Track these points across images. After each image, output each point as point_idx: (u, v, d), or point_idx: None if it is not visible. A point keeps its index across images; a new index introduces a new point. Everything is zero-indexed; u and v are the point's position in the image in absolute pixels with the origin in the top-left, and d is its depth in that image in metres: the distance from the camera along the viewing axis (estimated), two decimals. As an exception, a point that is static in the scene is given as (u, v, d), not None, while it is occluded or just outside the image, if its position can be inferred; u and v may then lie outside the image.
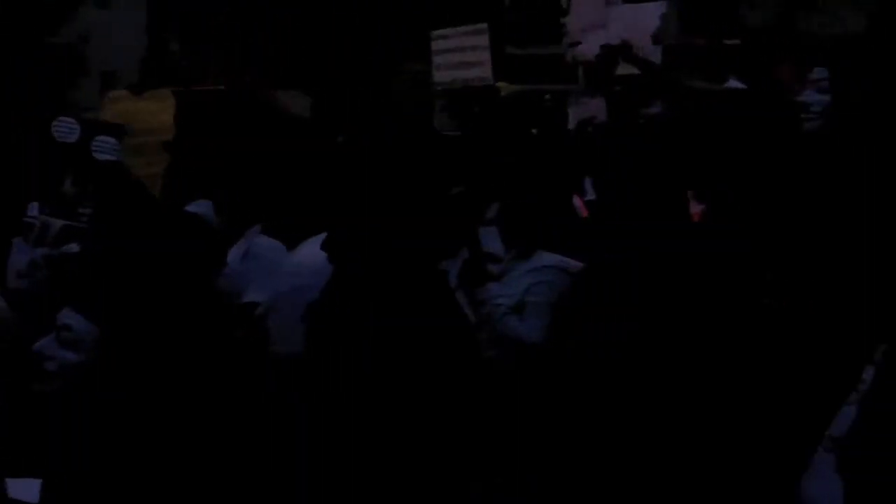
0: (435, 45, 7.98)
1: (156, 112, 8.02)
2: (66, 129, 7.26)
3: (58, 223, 6.22)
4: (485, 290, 4.90)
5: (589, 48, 6.72)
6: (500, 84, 7.61)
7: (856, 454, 2.74)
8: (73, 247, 6.01)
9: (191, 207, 6.08)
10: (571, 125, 7.13)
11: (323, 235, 4.62)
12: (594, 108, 6.71)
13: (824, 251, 3.72)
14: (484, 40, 7.79)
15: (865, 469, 2.69)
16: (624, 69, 6.27)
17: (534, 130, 6.85)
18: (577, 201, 5.55)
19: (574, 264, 4.73)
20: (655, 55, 6.26)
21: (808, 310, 3.70)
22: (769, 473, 3.54)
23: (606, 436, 3.79)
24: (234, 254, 5.54)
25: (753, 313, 3.65)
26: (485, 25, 7.90)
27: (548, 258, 4.92)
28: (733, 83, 5.99)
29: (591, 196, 5.76)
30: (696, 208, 4.07)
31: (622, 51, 6.29)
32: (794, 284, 3.73)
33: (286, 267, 5.24)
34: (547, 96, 7.36)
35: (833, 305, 3.62)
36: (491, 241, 5.33)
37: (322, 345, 4.82)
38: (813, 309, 3.70)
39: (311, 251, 4.73)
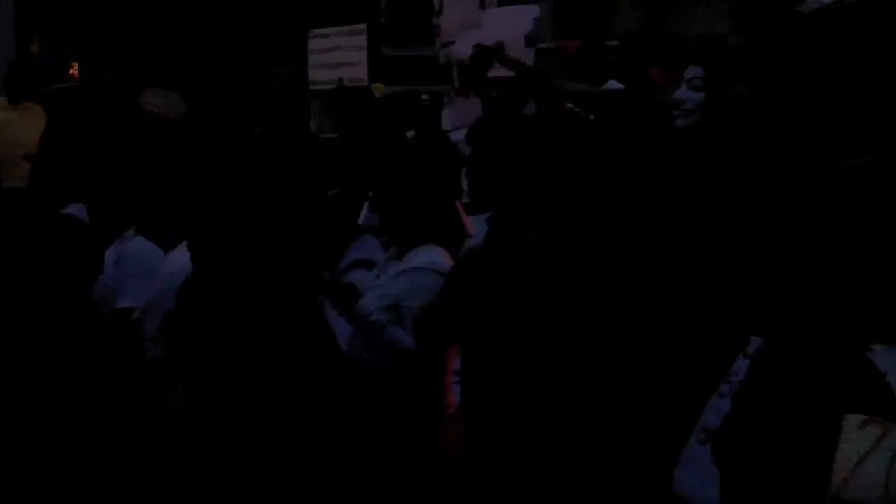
0: (312, 45, 7.95)
1: (27, 126, 7.85)
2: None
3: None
4: (361, 304, 4.88)
5: (462, 49, 6.77)
6: (376, 85, 7.61)
7: (731, 446, 2.80)
8: None
9: (65, 210, 5.98)
10: (446, 126, 7.19)
11: (200, 238, 4.58)
12: (468, 109, 6.76)
13: (696, 243, 3.79)
14: (362, 40, 7.79)
15: (741, 460, 2.75)
16: (499, 71, 6.33)
17: (409, 132, 6.87)
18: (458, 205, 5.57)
19: (445, 265, 4.73)
20: (528, 58, 6.32)
21: (680, 303, 3.76)
22: (643, 467, 3.59)
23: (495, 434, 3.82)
24: (108, 258, 5.46)
25: (625, 304, 3.70)
26: (363, 26, 7.90)
27: (418, 259, 4.91)
28: (613, 84, 6.07)
29: (471, 198, 5.78)
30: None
31: (495, 52, 6.34)
32: (667, 277, 3.79)
33: (162, 271, 5.18)
34: (424, 96, 7.39)
35: (704, 299, 3.68)
36: (368, 247, 5.33)
37: (176, 349, 4.82)
38: (684, 302, 3.76)
39: (188, 254, 4.68)
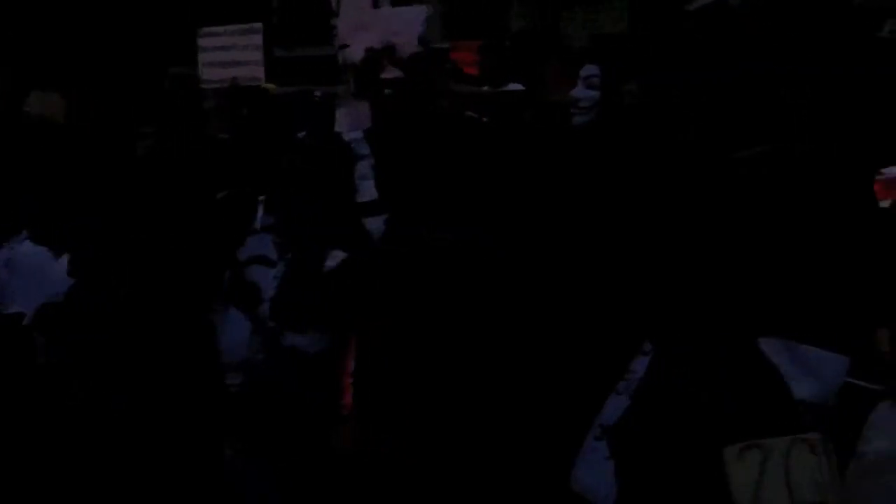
0: (203, 43, 7.84)
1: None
2: None
3: None
4: (262, 308, 4.85)
5: (356, 50, 6.75)
6: (268, 85, 7.55)
7: (628, 442, 2.83)
8: None
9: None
10: (340, 128, 7.16)
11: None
12: (362, 111, 6.74)
13: (591, 242, 3.83)
14: (257, 39, 7.70)
15: (637, 455, 2.78)
16: (395, 72, 6.31)
17: (301, 133, 6.82)
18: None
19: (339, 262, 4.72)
20: (423, 58, 6.31)
21: (577, 302, 3.79)
22: (541, 463, 3.61)
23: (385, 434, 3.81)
24: (-3, 262, 5.36)
25: (525, 306, 3.72)
26: (258, 25, 7.81)
27: (312, 261, 4.88)
28: (513, 86, 6.10)
29: (364, 198, 5.76)
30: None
31: (386, 53, 6.33)
32: (563, 275, 3.82)
33: (53, 275, 5.10)
34: (317, 93, 7.34)
35: (600, 297, 3.72)
36: (263, 246, 5.28)
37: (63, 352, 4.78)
38: (582, 301, 3.79)
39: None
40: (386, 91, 6.42)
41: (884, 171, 5.23)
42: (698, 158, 3.72)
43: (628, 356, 3.52)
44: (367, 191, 5.63)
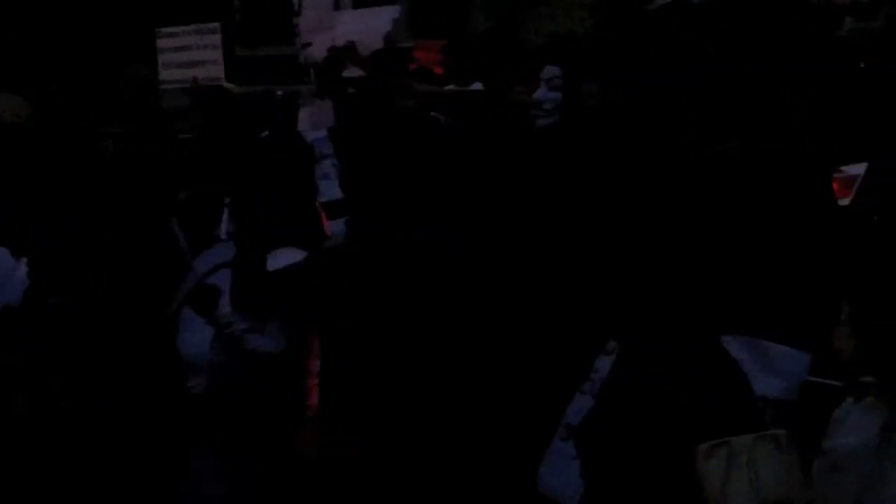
0: (162, 43, 7.82)
1: None
2: None
3: None
4: (221, 310, 4.82)
5: (318, 50, 6.74)
6: (229, 85, 7.53)
7: (595, 441, 2.83)
8: None
9: None
10: (302, 127, 7.14)
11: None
12: (325, 110, 6.72)
13: (556, 242, 3.83)
14: (216, 39, 7.69)
15: (604, 455, 2.78)
16: (358, 72, 6.32)
17: (264, 132, 6.81)
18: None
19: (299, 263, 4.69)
20: (386, 58, 6.31)
21: (543, 302, 3.79)
22: (507, 464, 3.61)
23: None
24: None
25: (491, 305, 3.72)
26: (217, 25, 7.80)
27: (276, 262, 4.85)
28: (475, 86, 6.10)
29: (327, 198, 5.76)
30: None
31: (347, 53, 6.32)
32: (529, 274, 3.82)
33: (14, 277, 5.06)
34: (279, 93, 7.33)
35: (566, 296, 3.72)
36: (229, 253, 5.26)
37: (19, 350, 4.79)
38: (547, 300, 3.79)
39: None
40: (349, 90, 6.42)
41: (843, 168, 5.27)
42: (664, 157, 3.73)
43: (594, 356, 3.53)
44: (330, 190, 5.61)
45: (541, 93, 4.96)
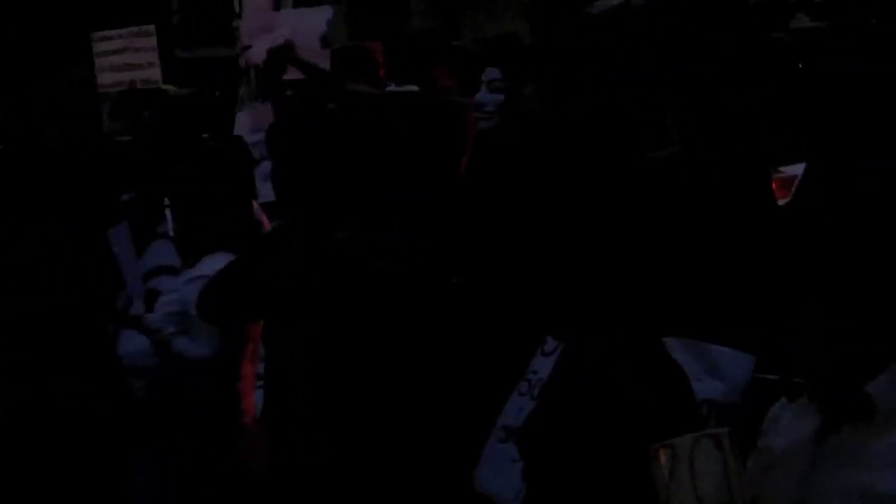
0: (98, 47, 7.74)
1: None
2: None
3: None
4: (148, 315, 4.79)
5: (258, 52, 6.71)
6: (168, 87, 7.47)
7: (537, 443, 2.82)
8: None
9: None
10: (242, 129, 7.11)
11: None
12: (264, 112, 6.69)
13: (497, 243, 3.83)
14: (151, 42, 7.62)
15: (547, 457, 2.77)
16: (297, 73, 6.28)
17: (204, 134, 6.76)
18: (253, 206, 5.50)
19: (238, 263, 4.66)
20: (323, 59, 6.28)
21: (478, 302, 3.79)
22: (443, 465, 3.60)
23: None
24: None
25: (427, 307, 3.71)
26: (151, 27, 7.73)
27: (209, 266, 4.82)
28: (410, 87, 6.09)
29: (267, 199, 5.73)
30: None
31: (285, 52, 6.28)
32: (465, 276, 3.81)
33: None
34: (217, 93, 7.28)
35: (501, 297, 3.72)
36: (165, 253, 5.21)
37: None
38: (483, 301, 3.79)
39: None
40: (288, 92, 6.39)
41: (781, 169, 5.32)
42: (606, 159, 3.74)
43: (528, 356, 3.53)
44: (269, 192, 5.58)
45: (482, 95, 4.96)
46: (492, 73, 4.95)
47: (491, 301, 3.78)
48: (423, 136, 5.11)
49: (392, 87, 6.38)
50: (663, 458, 2.34)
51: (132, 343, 4.93)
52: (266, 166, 6.23)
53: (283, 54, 6.14)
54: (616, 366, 2.65)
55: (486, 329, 3.69)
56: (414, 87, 6.04)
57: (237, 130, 6.78)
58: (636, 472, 2.41)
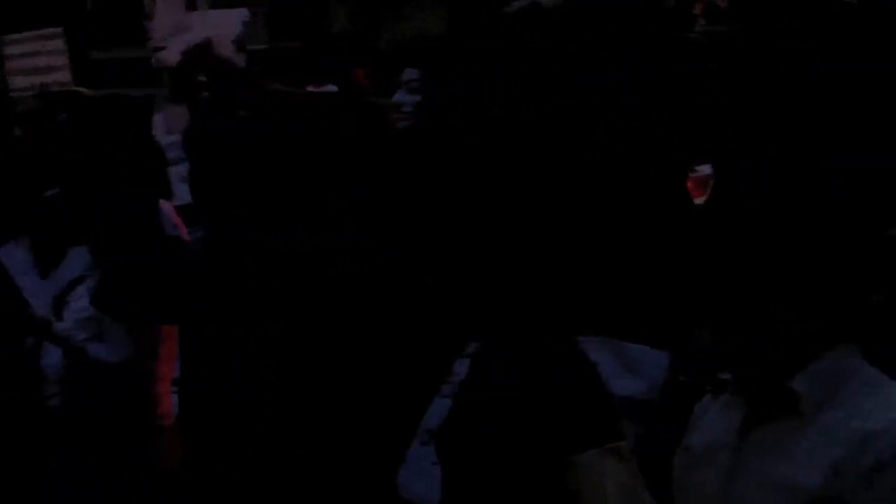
0: (7, 50, 7.65)
1: None
2: None
3: None
4: (59, 324, 4.76)
5: (172, 54, 6.65)
6: (80, 89, 7.39)
7: (452, 445, 2.82)
8: None
9: None
10: (157, 132, 7.03)
11: None
12: (180, 114, 6.62)
13: (415, 242, 3.82)
14: (59, 44, 7.54)
15: (461, 458, 2.77)
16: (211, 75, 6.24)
17: (119, 136, 6.68)
18: (165, 206, 5.44)
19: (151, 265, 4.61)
20: (240, 61, 6.24)
21: (402, 304, 3.77)
22: (367, 468, 3.59)
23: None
24: None
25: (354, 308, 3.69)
26: (59, 29, 7.65)
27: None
28: (330, 87, 6.08)
29: (183, 201, 5.68)
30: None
31: (201, 56, 6.24)
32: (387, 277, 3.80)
33: None
34: (134, 95, 7.22)
35: (433, 298, 3.71)
36: (80, 261, 5.15)
37: None
38: (406, 303, 3.78)
39: None
40: (203, 94, 6.35)
41: (697, 168, 5.35)
42: (524, 158, 3.74)
43: (453, 358, 3.52)
44: (186, 194, 5.53)
45: (400, 95, 4.96)
46: (409, 73, 4.96)
47: (414, 302, 3.78)
48: (343, 137, 5.10)
49: (311, 89, 6.37)
50: (570, 475, 2.37)
51: (50, 350, 4.91)
52: (182, 168, 6.18)
53: (200, 51, 6.11)
54: (528, 364, 2.66)
55: (415, 331, 3.68)
56: (333, 88, 6.04)
57: (153, 132, 6.73)
58: (549, 470, 2.42)
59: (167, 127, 6.60)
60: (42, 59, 7.56)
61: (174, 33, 6.70)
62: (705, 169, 5.12)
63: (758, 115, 3.46)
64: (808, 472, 2.21)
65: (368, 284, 3.68)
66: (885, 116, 3.29)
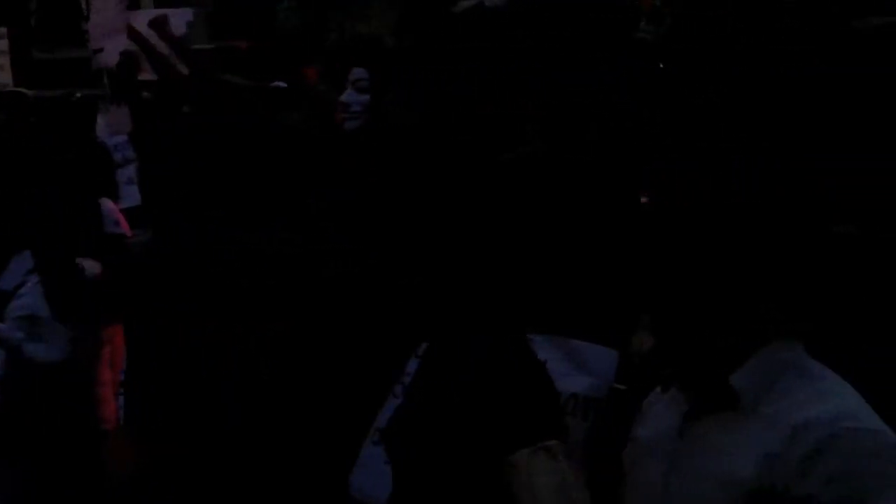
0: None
1: None
2: None
3: None
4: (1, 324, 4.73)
5: (110, 55, 6.59)
6: (21, 89, 7.33)
7: (399, 444, 2.82)
8: None
9: None
10: (101, 133, 6.97)
11: None
12: (122, 114, 6.57)
13: (364, 243, 3.81)
14: (2, 45, 7.48)
15: (406, 458, 2.77)
16: (150, 75, 6.19)
17: (61, 136, 6.64)
18: (106, 204, 5.40)
19: (91, 271, 4.58)
20: (181, 61, 6.19)
21: (357, 306, 3.77)
22: (319, 469, 3.57)
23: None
24: None
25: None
26: (3, 29, 7.59)
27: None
28: (277, 84, 6.06)
29: (129, 203, 5.66)
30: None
31: (140, 56, 6.20)
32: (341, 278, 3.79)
33: None
34: (78, 95, 7.16)
35: (378, 299, 3.70)
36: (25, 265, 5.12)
37: None
38: (363, 304, 3.77)
39: None
40: (143, 94, 6.32)
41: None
42: (467, 158, 3.74)
43: (405, 358, 3.52)
44: (132, 195, 5.50)
45: (348, 95, 4.94)
46: (357, 72, 4.94)
47: (367, 303, 3.77)
48: (293, 135, 5.09)
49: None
50: (508, 473, 2.39)
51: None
52: (129, 169, 6.15)
53: (139, 56, 6.07)
54: (476, 363, 2.65)
55: (369, 331, 3.67)
56: (282, 84, 6.02)
57: (98, 133, 6.68)
58: (491, 470, 2.43)
59: (111, 128, 6.55)
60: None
61: (111, 34, 6.65)
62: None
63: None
64: (743, 464, 2.24)
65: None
66: (880, 116, 3.31)
